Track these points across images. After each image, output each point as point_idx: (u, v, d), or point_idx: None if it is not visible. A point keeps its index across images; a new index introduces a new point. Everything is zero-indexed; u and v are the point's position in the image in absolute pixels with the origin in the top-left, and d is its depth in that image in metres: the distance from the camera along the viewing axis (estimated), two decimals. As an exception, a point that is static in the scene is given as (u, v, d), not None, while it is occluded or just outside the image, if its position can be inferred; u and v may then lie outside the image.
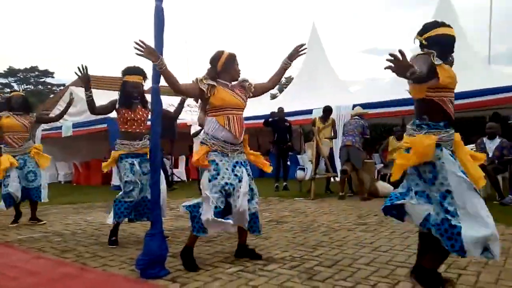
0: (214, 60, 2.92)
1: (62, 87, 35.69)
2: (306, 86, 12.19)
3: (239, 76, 3.02)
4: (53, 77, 43.53)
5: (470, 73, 8.55)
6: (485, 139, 6.30)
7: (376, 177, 7.53)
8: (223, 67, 2.90)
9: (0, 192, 4.97)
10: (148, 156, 3.23)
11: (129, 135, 3.63)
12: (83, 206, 6.67)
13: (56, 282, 2.59)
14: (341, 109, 9.22)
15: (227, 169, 2.80)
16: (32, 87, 43.03)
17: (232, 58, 2.95)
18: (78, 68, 3.53)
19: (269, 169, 3.26)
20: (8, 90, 42.11)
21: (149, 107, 3.33)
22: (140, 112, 3.71)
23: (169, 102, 12.44)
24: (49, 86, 43.31)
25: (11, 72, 41.10)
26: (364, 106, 8.35)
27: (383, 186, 6.97)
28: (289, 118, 8.93)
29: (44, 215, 5.64)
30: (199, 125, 8.02)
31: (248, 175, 2.93)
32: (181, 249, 2.94)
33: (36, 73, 42.49)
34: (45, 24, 77.85)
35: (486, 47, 10.69)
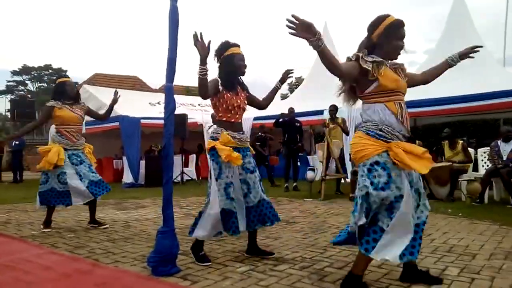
0: (372, 26, 2.33)
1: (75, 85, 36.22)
2: (317, 86, 12.12)
3: (398, 55, 2.35)
4: (67, 76, 44.10)
5: (484, 75, 8.44)
6: (499, 141, 6.21)
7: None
8: (382, 38, 2.29)
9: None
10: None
11: (232, 126, 3.01)
12: (95, 203, 6.72)
13: (68, 278, 2.63)
14: (353, 110, 9.16)
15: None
16: (46, 85, 43.66)
17: (396, 26, 2.29)
18: (195, 36, 2.69)
19: None
20: (22, 87, 42.93)
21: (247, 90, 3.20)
22: (242, 96, 3.12)
23: (180, 102, 12.58)
24: (62, 84, 43.85)
25: (25, 70, 41.77)
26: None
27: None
28: (299, 119, 8.90)
29: (57, 211, 5.72)
30: (213, 122, 8.08)
31: None
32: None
33: (50, 71, 43.13)
34: (59, 23, 78.91)
35: (501, 49, 10.53)
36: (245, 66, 3.07)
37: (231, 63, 3.00)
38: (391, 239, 2.17)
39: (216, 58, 3.04)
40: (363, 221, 2.20)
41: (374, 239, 2.21)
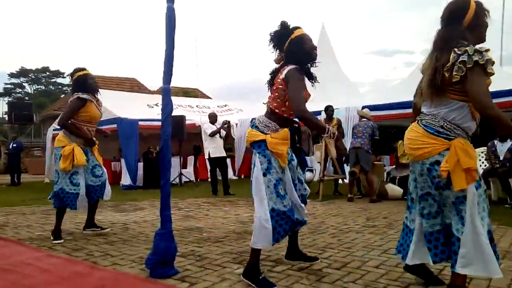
0: (462, 10, 2.07)
1: (72, 87, 36.15)
2: (315, 87, 12.14)
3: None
4: (64, 77, 43.97)
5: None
6: (496, 142, 6.24)
7: (385, 179, 7.48)
8: (475, 20, 2.07)
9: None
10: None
11: (287, 123, 2.66)
12: (93, 205, 6.71)
13: (67, 280, 2.62)
14: (351, 110, 9.19)
15: None
16: (44, 87, 43.63)
17: (483, 10, 2.08)
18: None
19: None
20: (20, 90, 42.84)
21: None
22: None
23: (177, 103, 12.59)
24: (60, 86, 43.89)
25: (23, 72, 41.69)
26: (374, 107, 8.32)
27: (392, 189, 6.93)
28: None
29: (54, 214, 5.70)
30: (211, 122, 8.09)
31: None
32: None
33: (48, 73, 43.08)
34: (57, 26, 78.83)
35: (498, 48, 10.57)
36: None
37: (303, 47, 2.58)
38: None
39: (277, 41, 2.64)
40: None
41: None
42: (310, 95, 2.66)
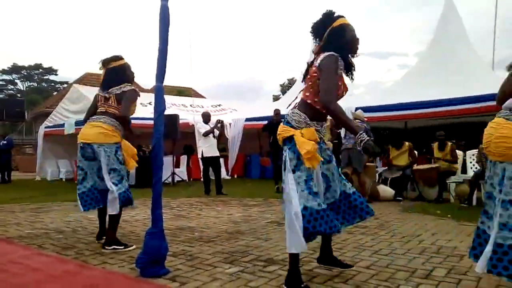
0: None
1: (65, 85, 35.86)
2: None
3: None
4: (56, 74, 43.72)
5: (473, 78, 8.56)
6: (487, 144, 6.29)
7: (377, 180, 7.52)
8: None
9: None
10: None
11: (321, 116, 2.48)
12: (84, 203, 6.67)
13: (56, 279, 2.60)
14: (345, 111, 9.21)
15: None
16: (36, 84, 43.24)
17: None
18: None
19: None
20: (12, 87, 42.43)
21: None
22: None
23: (171, 102, 12.54)
24: (52, 84, 43.53)
25: (15, 69, 41.28)
26: (367, 109, 8.35)
27: (384, 190, 6.97)
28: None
29: (45, 212, 5.67)
30: (204, 121, 8.06)
31: None
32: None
33: (40, 70, 42.70)
34: (49, 22, 78.17)
35: (490, 52, 10.68)
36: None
37: (345, 35, 2.43)
38: None
39: (318, 29, 2.49)
40: None
41: None
42: (347, 89, 2.50)
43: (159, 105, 2.80)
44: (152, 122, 2.90)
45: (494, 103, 7.91)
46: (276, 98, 25.58)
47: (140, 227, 4.44)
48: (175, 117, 9.56)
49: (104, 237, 3.50)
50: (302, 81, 2.56)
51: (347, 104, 9.56)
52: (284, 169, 2.42)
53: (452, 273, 2.68)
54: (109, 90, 3.49)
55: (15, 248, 3.46)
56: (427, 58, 10.68)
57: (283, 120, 2.55)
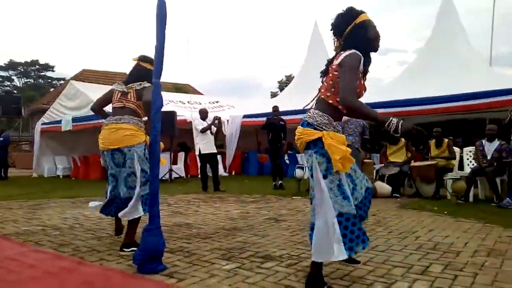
0: None
1: (62, 81, 35.70)
2: (307, 84, 12.16)
3: None
4: (53, 70, 43.48)
5: (471, 75, 8.57)
6: (484, 141, 6.31)
7: (374, 177, 7.53)
8: None
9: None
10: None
11: (340, 116, 2.40)
12: (81, 200, 6.67)
13: (53, 276, 2.59)
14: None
15: None
16: (33, 81, 43.02)
17: None
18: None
19: None
20: (8, 83, 42.17)
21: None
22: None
23: (169, 99, 12.51)
24: (49, 80, 43.30)
25: (11, 65, 41.05)
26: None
27: (381, 187, 6.98)
28: (289, 117, 8.89)
29: (42, 209, 5.65)
30: (202, 118, 8.04)
31: None
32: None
33: (37, 66, 42.46)
34: (46, 18, 77.70)
35: (488, 49, 10.68)
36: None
37: (367, 32, 2.34)
38: None
39: (339, 26, 2.39)
40: None
41: None
42: (366, 89, 2.42)
43: (156, 101, 2.79)
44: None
45: (491, 99, 7.95)
46: (274, 95, 25.53)
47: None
48: (172, 114, 9.54)
49: (123, 232, 3.46)
50: (322, 78, 2.44)
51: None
52: (311, 176, 2.27)
53: (448, 269, 2.69)
54: (128, 85, 3.37)
55: (11, 245, 3.44)
56: (425, 55, 10.69)
57: (301, 123, 2.36)
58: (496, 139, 6.20)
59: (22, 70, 42.25)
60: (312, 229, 2.29)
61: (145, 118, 3.34)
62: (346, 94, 2.20)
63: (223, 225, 4.36)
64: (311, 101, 2.51)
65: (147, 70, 3.37)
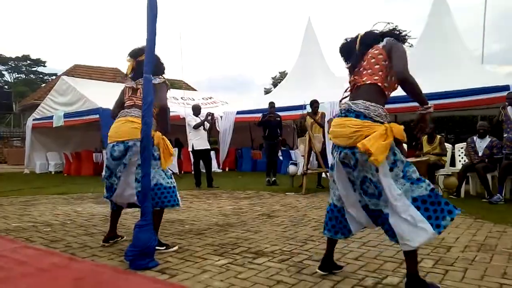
0: None
1: (54, 77, 35.33)
2: (301, 81, 12.19)
3: None
4: (45, 66, 43.04)
5: (462, 72, 8.62)
6: (475, 137, 6.37)
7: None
8: None
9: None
10: None
11: (385, 100, 2.35)
12: (73, 196, 6.62)
13: (44, 272, 2.58)
14: (335, 104, 9.23)
15: None
16: (24, 76, 42.51)
17: None
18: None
19: None
20: (-1, 78, 41.70)
21: None
22: None
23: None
24: (40, 75, 42.81)
25: (2, 60, 40.50)
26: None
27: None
28: (283, 113, 8.89)
29: (33, 205, 5.61)
30: (194, 114, 8.01)
31: None
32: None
33: (28, 62, 41.93)
34: (38, 13, 76.76)
35: (480, 46, 10.76)
36: None
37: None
38: None
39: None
40: None
41: None
42: None
43: (147, 95, 2.77)
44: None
45: (482, 96, 8.00)
46: (267, 91, 25.51)
47: (130, 219, 4.42)
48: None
49: (111, 241, 3.27)
50: (356, 69, 2.37)
51: (339, 97, 9.62)
52: (377, 171, 2.13)
53: (439, 264, 2.72)
54: (138, 81, 3.21)
55: (1, 241, 3.42)
56: (417, 52, 10.72)
57: (350, 112, 2.24)
58: (488, 136, 6.26)
59: (13, 65, 41.72)
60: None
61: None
62: (406, 69, 2.19)
63: (216, 221, 4.36)
64: (345, 94, 2.48)
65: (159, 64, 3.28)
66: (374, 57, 2.30)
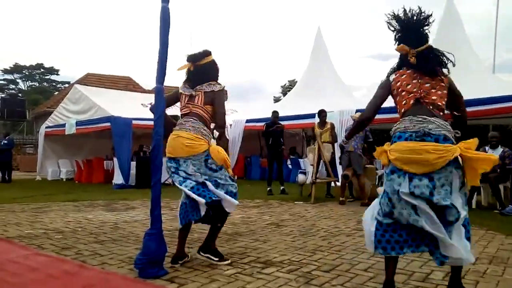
0: None
1: (67, 85, 35.87)
2: (310, 90, 12.21)
3: None
4: (58, 74, 43.68)
5: (474, 81, 8.53)
6: (487, 148, 6.30)
7: (377, 183, 7.52)
8: None
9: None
10: None
11: None
12: (84, 204, 6.69)
13: (55, 279, 2.60)
14: (345, 114, 9.22)
15: None
16: (37, 84, 43.25)
17: None
18: None
19: None
20: (13, 86, 42.50)
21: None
22: None
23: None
24: (54, 84, 43.51)
25: (16, 68, 41.29)
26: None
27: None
28: (291, 122, 8.90)
29: (45, 212, 5.68)
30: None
31: None
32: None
33: (42, 70, 42.70)
34: (52, 22, 78.28)
35: (491, 55, 10.71)
36: None
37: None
38: None
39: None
40: None
41: None
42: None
43: (159, 106, 2.81)
44: (152, 122, 2.90)
45: (494, 106, 7.93)
46: (277, 100, 25.57)
47: (140, 227, 4.45)
48: (176, 118, 9.56)
49: (180, 261, 2.99)
50: (427, 83, 2.42)
51: (348, 106, 9.60)
52: (459, 188, 2.17)
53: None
54: (197, 87, 3.09)
55: (14, 248, 3.46)
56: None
57: (429, 136, 2.20)
58: (500, 146, 6.19)
59: (27, 73, 42.51)
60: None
61: (213, 125, 3.13)
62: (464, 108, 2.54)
63: (225, 230, 4.36)
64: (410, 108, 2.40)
65: (205, 66, 3.13)
66: (442, 83, 2.45)
